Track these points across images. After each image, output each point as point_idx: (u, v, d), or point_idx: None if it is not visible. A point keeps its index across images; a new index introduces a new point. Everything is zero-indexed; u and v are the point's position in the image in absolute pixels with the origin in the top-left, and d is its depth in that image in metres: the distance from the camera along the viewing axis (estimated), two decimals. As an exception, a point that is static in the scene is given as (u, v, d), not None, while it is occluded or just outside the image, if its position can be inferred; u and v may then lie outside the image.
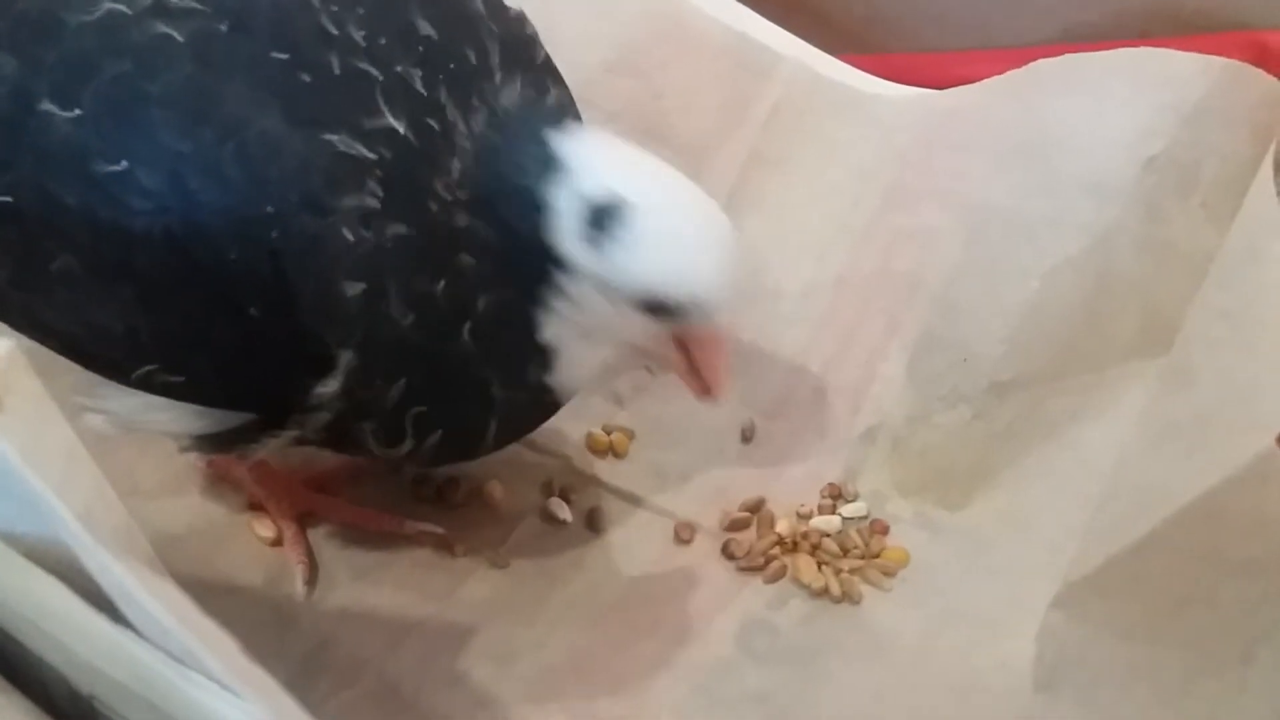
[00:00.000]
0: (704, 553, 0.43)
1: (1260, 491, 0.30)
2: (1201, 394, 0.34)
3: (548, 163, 0.34)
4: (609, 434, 0.46)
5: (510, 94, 0.36)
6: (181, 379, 0.35)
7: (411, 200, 0.34)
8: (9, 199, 0.33)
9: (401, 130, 0.33)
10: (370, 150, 0.33)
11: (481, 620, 0.41)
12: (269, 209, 0.32)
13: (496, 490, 0.45)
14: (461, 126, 0.35)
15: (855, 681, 0.38)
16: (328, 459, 0.45)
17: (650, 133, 0.48)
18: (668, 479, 0.45)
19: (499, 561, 0.43)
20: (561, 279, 0.35)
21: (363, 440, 0.36)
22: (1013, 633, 0.38)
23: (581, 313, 0.35)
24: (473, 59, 0.35)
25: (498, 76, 0.36)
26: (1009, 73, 0.48)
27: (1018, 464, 0.42)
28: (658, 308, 0.35)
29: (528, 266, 0.35)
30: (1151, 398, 0.38)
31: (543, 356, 0.36)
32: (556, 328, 0.36)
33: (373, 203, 0.33)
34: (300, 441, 0.37)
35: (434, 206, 0.34)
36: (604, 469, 0.46)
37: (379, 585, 0.42)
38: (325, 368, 0.34)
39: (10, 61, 0.33)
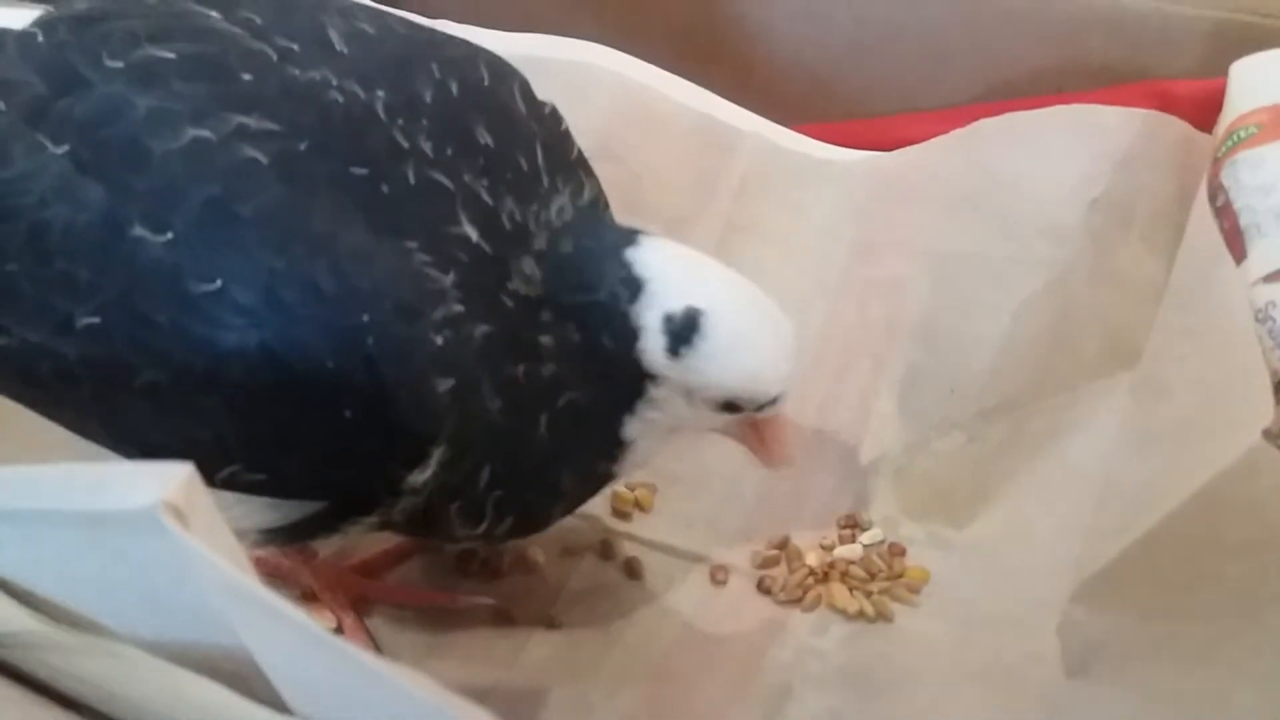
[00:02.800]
0: (742, 591, 0.47)
1: (1251, 480, 0.35)
2: (1179, 403, 0.40)
3: (630, 282, 0.37)
4: (633, 490, 0.50)
5: (565, 198, 0.39)
6: (264, 477, 0.37)
7: (489, 301, 0.36)
8: (97, 320, 0.35)
9: (474, 238, 0.37)
10: (450, 256, 0.36)
11: (550, 680, 0.44)
12: (364, 318, 0.34)
13: (539, 556, 0.48)
14: (529, 231, 0.38)
15: (910, 691, 0.42)
16: (371, 544, 0.48)
17: (633, 210, 0.52)
18: (695, 527, 0.49)
19: (554, 623, 0.46)
20: (646, 386, 0.38)
21: (446, 521, 0.39)
22: (1036, 629, 0.42)
23: (662, 413, 0.39)
24: (524, 165, 0.39)
25: (546, 180, 0.39)
26: (952, 132, 0.54)
27: (1011, 479, 0.47)
28: (734, 405, 0.39)
29: (613, 376, 0.38)
30: (1127, 410, 0.44)
31: (617, 450, 0.40)
32: (637, 427, 0.39)
33: (456, 306, 0.36)
34: (382, 526, 0.40)
35: (510, 304, 0.37)
36: (634, 524, 0.49)
37: (444, 659, 0.44)
38: (419, 458, 0.36)
39: (98, 189, 0.35)
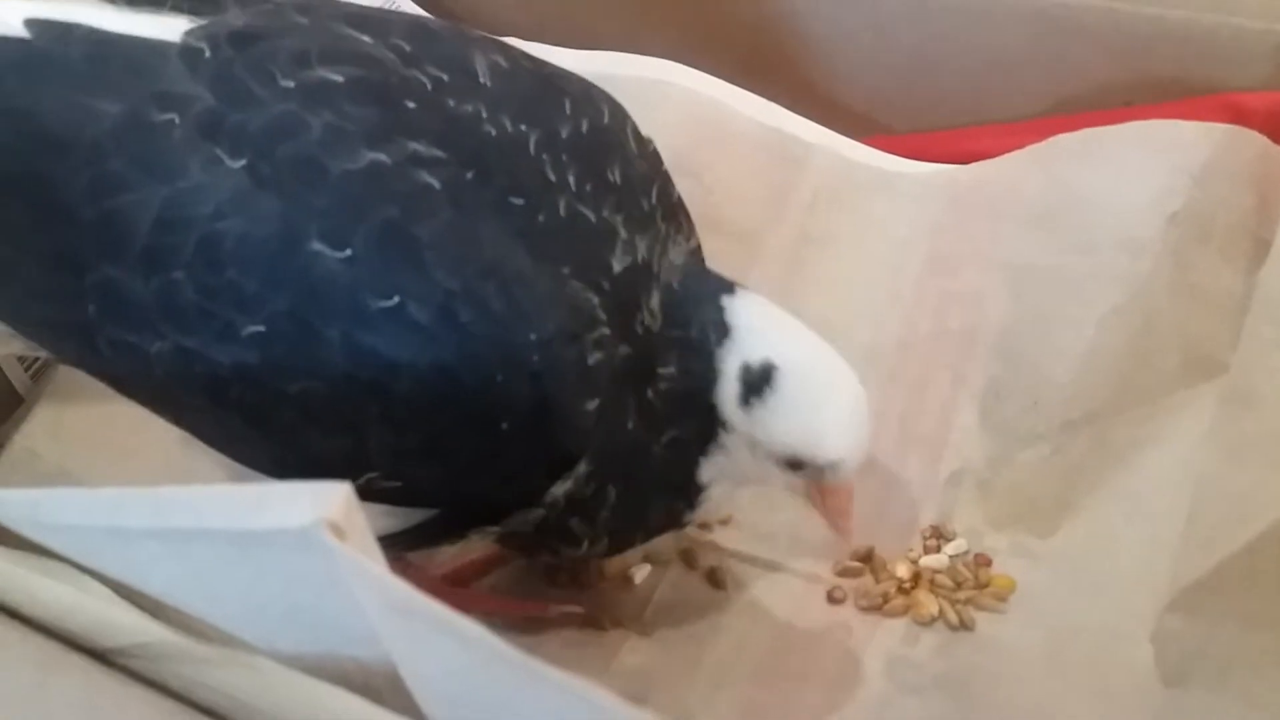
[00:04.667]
0: (828, 601, 0.47)
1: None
2: (1271, 414, 0.40)
3: (719, 326, 0.40)
4: (715, 503, 0.50)
5: (680, 241, 0.41)
6: (399, 484, 0.38)
7: (627, 328, 0.39)
8: (262, 329, 0.36)
9: (617, 269, 0.39)
10: (597, 284, 0.38)
11: (645, 687, 0.44)
12: (532, 337, 0.36)
13: (626, 567, 0.48)
14: (653, 269, 0.40)
15: (1007, 699, 0.42)
16: (460, 554, 0.48)
17: (708, 225, 0.53)
18: (777, 539, 0.49)
19: (645, 631, 0.46)
20: (720, 432, 0.40)
21: (562, 534, 0.40)
22: (1129, 639, 0.42)
23: (731, 462, 0.41)
24: (644, 205, 0.40)
25: (660, 220, 0.41)
26: (1028, 147, 0.55)
27: (1095, 490, 0.48)
28: (798, 465, 0.41)
29: (698, 417, 0.40)
30: (1216, 420, 0.44)
31: (693, 491, 0.41)
32: (710, 471, 0.41)
33: (604, 329, 0.38)
34: (500, 536, 0.41)
35: (640, 333, 0.39)
36: (716, 535, 0.50)
37: (538, 667, 0.45)
38: (563, 471, 0.38)
39: (276, 203, 0.36)
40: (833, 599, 0.47)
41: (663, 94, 0.58)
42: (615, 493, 0.40)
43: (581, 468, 0.38)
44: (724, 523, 0.50)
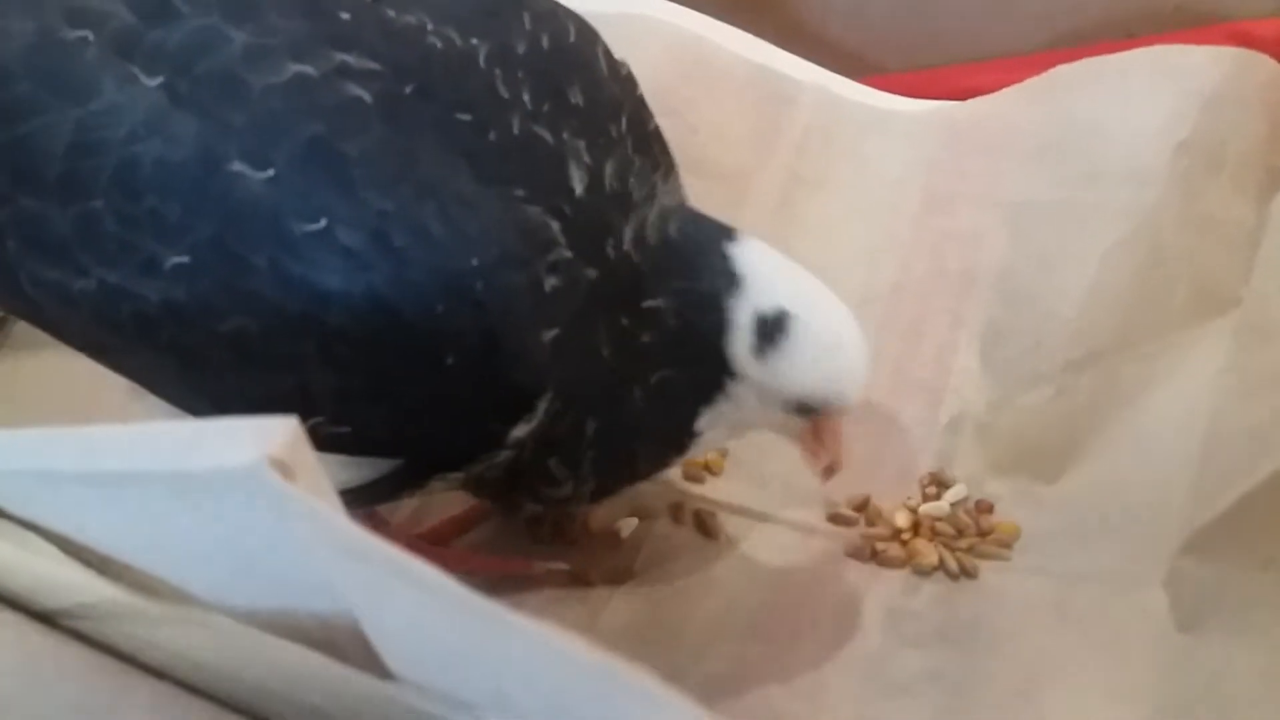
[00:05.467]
0: (825, 552, 0.45)
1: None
2: (1290, 345, 0.38)
3: (730, 277, 0.38)
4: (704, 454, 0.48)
5: (659, 175, 0.39)
6: (349, 430, 0.35)
7: (596, 252, 0.36)
8: (186, 259, 0.33)
9: (579, 191, 0.36)
10: (556, 208, 0.35)
11: (632, 644, 0.42)
12: (474, 262, 0.33)
13: (611, 519, 0.46)
14: (630, 199, 0.37)
15: (1012, 649, 0.40)
16: (439, 510, 0.46)
17: (693, 166, 0.50)
18: (770, 488, 0.47)
19: (633, 586, 0.44)
20: (726, 381, 0.38)
21: (541, 478, 0.37)
22: (1140, 583, 0.40)
23: (735, 409, 0.39)
24: (613, 132, 0.38)
25: (631, 149, 0.39)
26: (1027, 81, 0.53)
27: (1103, 432, 0.45)
28: (805, 408, 0.39)
29: (698, 365, 0.38)
30: (1230, 354, 0.42)
31: (686, 439, 0.39)
32: (710, 419, 0.39)
33: (565, 252, 0.35)
34: (466, 484, 0.38)
35: (614, 259, 0.37)
36: (706, 488, 0.48)
37: (519, 625, 0.43)
38: (523, 410, 0.35)
39: (194, 123, 0.33)
40: (844, 548, 0.45)
41: (644, 28, 0.55)
42: (594, 428, 0.37)
43: (544, 404, 0.35)
44: (714, 472, 0.48)
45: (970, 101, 0.54)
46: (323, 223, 0.32)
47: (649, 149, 0.40)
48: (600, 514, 0.46)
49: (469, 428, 0.35)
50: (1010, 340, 0.48)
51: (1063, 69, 0.51)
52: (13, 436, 0.27)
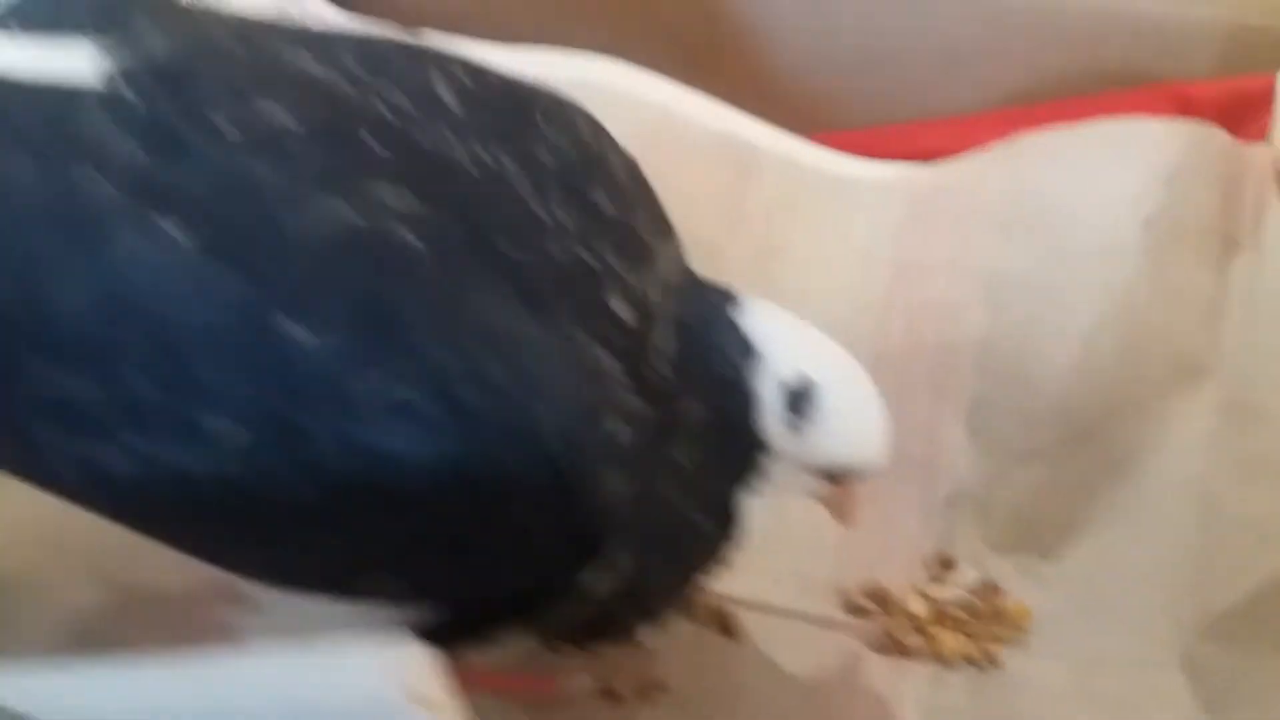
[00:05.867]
0: (848, 647, 0.46)
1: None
2: (1281, 428, 0.41)
3: (747, 350, 0.36)
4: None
5: (670, 259, 0.37)
6: (406, 581, 0.34)
7: (647, 382, 0.34)
8: (236, 427, 0.30)
9: (624, 316, 0.34)
10: (609, 339, 0.34)
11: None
12: (543, 414, 0.31)
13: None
14: (654, 301, 0.36)
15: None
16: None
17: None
18: (783, 582, 0.47)
19: (660, 692, 0.44)
20: (761, 459, 0.37)
21: (612, 617, 0.37)
22: (1158, 668, 0.42)
23: (773, 486, 0.38)
24: (638, 230, 0.36)
25: (650, 241, 0.37)
26: (989, 148, 0.54)
27: (1097, 508, 0.47)
28: (839, 473, 0.38)
29: (735, 449, 0.37)
30: (1219, 434, 0.44)
31: (732, 529, 0.38)
32: (750, 501, 0.38)
33: (625, 392, 0.33)
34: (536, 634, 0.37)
35: (659, 382, 0.35)
36: (721, 583, 0.47)
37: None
38: (593, 555, 0.34)
39: (229, 276, 0.30)
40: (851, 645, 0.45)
41: (607, 98, 0.53)
42: (658, 558, 0.36)
43: (618, 554, 0.34)
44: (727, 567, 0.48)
45: (930, 166, 0.55)
46: (384, 385, 0.30)
47: (665, 232, 0.39)
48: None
49: (538, 575, 0.34)
50: (998, 415, 0.49)
51: (1024, 139, 0.52)
52: (113, 673, 0.25)
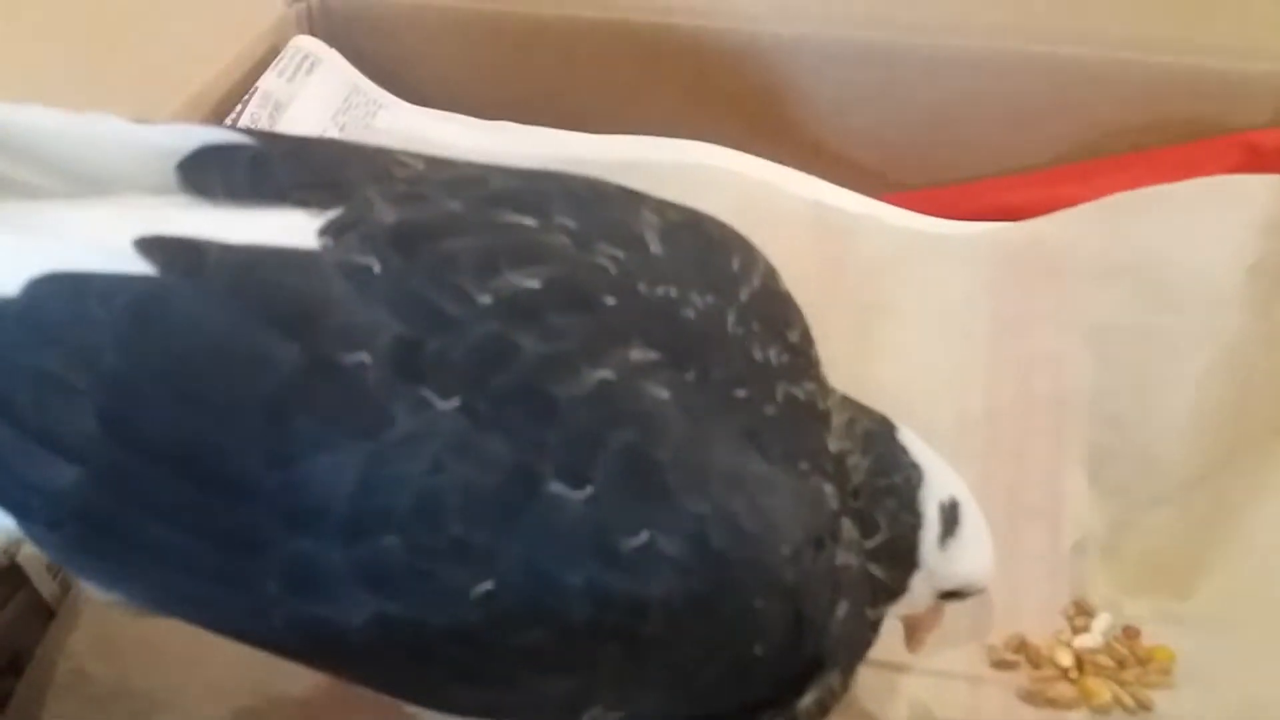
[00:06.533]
0: (999, 701, 0.46)
1: None
2: None
3: (915, 470, 0.38)
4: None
5: (827, 386, 0.39)
6: (623, 714, 0.34)
7: (853, 509, 0.37)
8: (489, 584, 0.31)
9: (832, 447, 0.36)
10: (826, 471, 0.35)
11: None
12: (784, 551, 0.33)
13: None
14: (839, 425, 0.38)
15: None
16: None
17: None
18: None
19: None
20: (911, 576, 0.39)
21: None
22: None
23: (909, 601, 0.40)
24: (813, 358, 0.38)
25: (819, 364, 0.39)
26: (1084, 205, 0.55)
27: (1223, 548, 0.48)
28: (960, 592, 0.41)
29: (898, 566, 0.38)
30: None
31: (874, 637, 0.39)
32: (888, 617, 0.40)
33: (844, 522, 0.35)
34: None
35: (857, 506, 0.37)
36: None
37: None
38: (813, 681, 0.36)
39: (501, 444, 0.30)
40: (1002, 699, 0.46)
41: (707, 179, 0.55)
42: (844, 680, 0.38)
43: (831, 675, 0.36)
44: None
45: (1022, 223, 0.57)
46: (644, 536, 0.31)
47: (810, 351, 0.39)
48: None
49: (758, 701, 0.35)
50: (1119, 463, 0.50)
51: (1121, 197, 0.54)
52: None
